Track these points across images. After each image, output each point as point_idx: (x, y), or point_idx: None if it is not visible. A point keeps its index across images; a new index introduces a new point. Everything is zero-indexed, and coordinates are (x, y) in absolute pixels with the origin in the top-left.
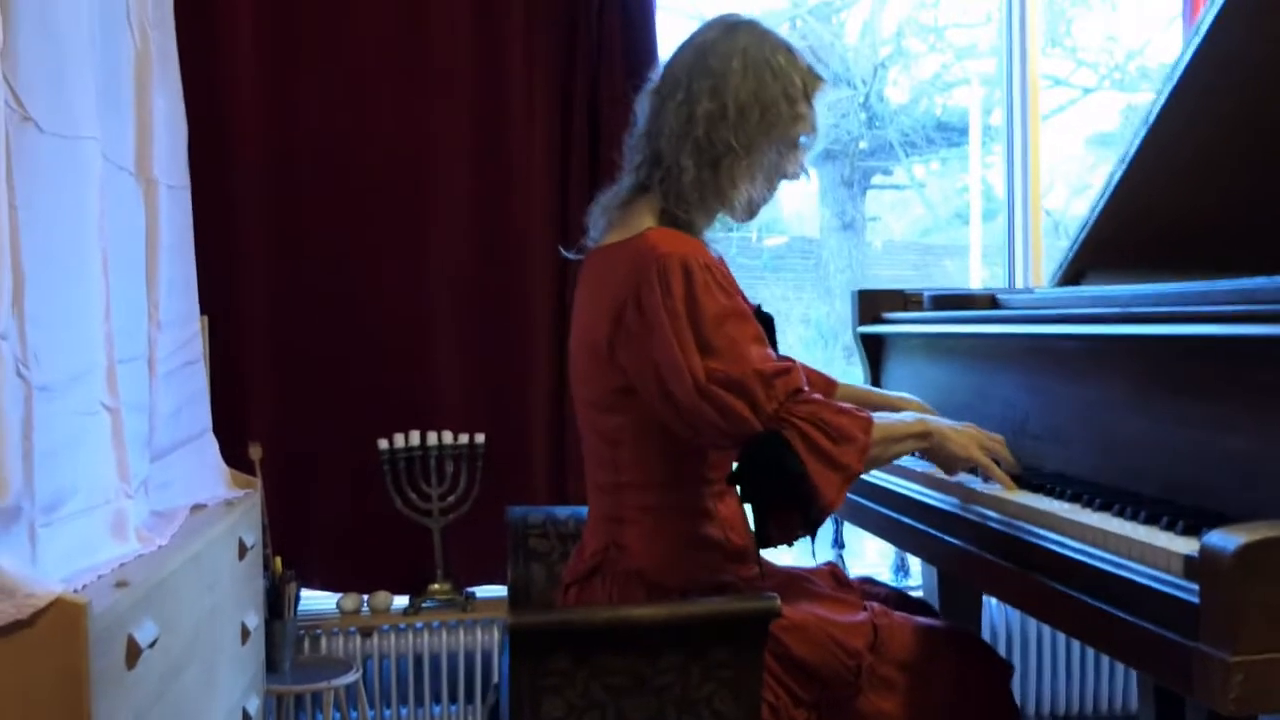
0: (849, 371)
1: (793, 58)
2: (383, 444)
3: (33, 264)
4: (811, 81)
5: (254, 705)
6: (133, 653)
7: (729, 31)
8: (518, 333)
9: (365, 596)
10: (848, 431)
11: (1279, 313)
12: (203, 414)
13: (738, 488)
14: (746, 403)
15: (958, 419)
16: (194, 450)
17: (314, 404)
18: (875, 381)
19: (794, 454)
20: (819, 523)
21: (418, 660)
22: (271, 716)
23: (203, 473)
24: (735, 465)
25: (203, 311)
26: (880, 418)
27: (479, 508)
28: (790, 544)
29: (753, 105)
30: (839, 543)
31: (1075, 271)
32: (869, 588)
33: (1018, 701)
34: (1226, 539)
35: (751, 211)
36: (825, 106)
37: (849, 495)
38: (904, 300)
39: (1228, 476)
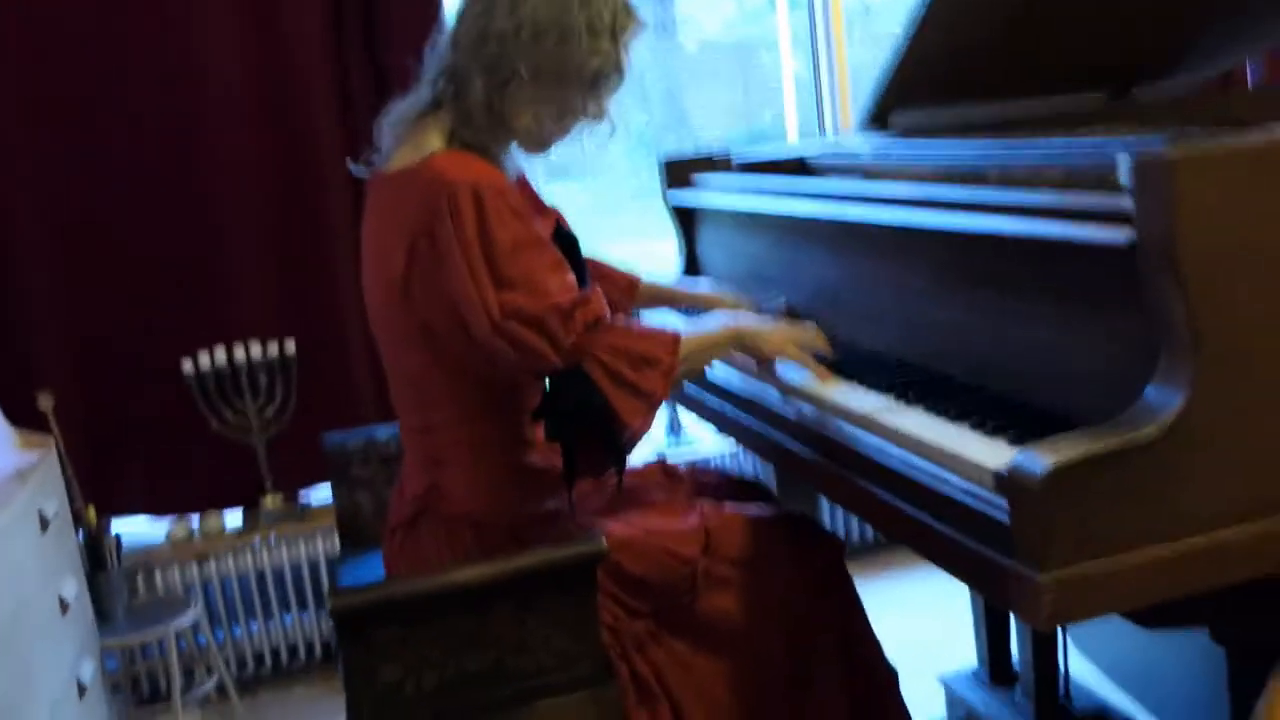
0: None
1: None
2: (187, 365)
3: None
4: (623, 19)
5: (89, 671)
6: None
7: None
8: (315, 233)
9: (195, 521)
10: (651, 355)
11: (1074, 211)
12: None
13: (543, 425)
14: (545, 338)
15: (771, 293)
16: None
17: (107, 338)
18: (690, 252)
19: (595, 387)
20: (627, 451)
21: (260, 576)
22: (116, 669)
23: None
24: (539, 402)
25: None
26: (689, 328)
27: (300, 416)
28: (600, 475)
29: (550, 30)
30: (675, 428)
31: (881, 111)
32: (700, 476)
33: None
34: (1034, 460)
35: (543, 144)
36: (633, 49)
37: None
38: (711, 164)
39: (1032, 365)
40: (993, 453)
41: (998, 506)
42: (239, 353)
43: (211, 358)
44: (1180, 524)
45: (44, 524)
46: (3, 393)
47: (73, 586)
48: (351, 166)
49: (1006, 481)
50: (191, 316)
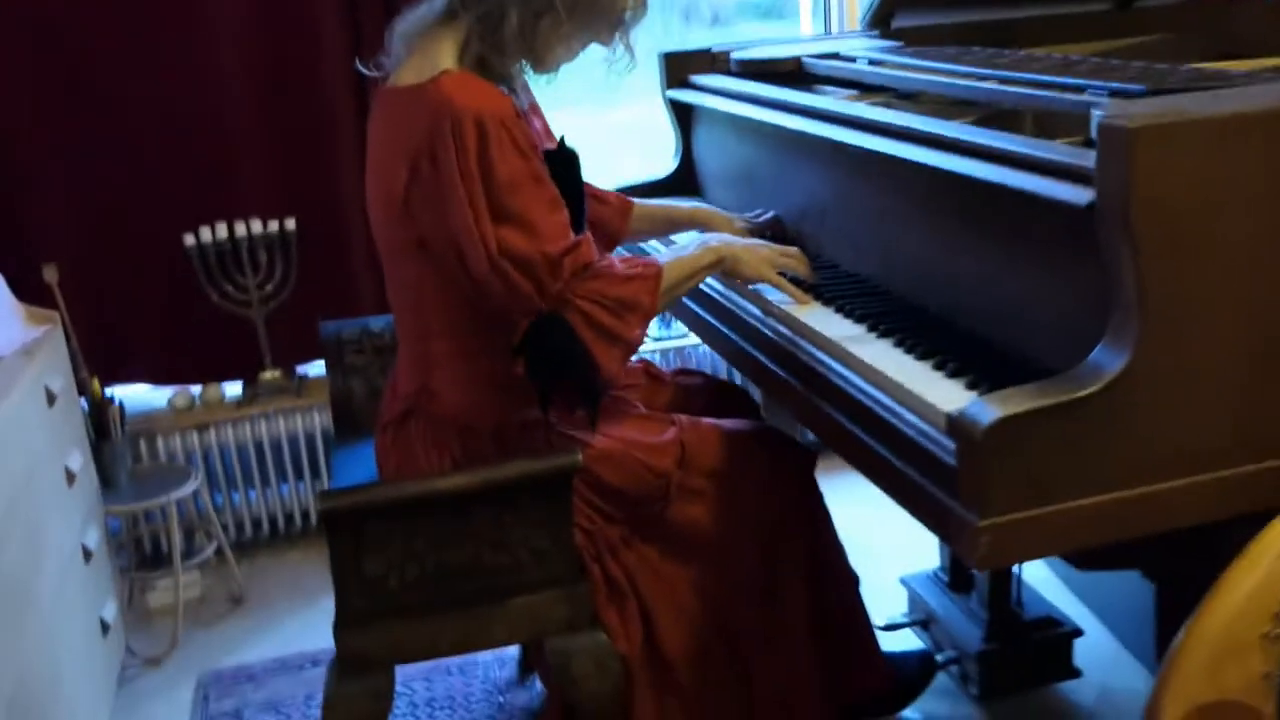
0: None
1: None
2: (189, 239)
3: None
4: None
5: (94, 539)
6: None
7: None
8: (318, 118)
9: (196, 391)
10: (631, 300)
11: (1042, 163)
12: None
13: (522, 363)
14: (533, 283)
15: (762, 203)
16: None
17: (110, 211)
18: (686, 149)
19: (574, 334)
20: (601, 394)
21: (258, 446)
22: (119, 531)
23: None
24: (519, 342)
25: None
26: (670, 254)
27: (299, 292)
28: (571, 412)
29: None
30: (665, 320)
31: (885, 12)
32: (683, 379)
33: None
34: (983, 410)
35: (554, 69)
36: None
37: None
38: (711, 60)
39: (999, 307)
40: (949, 395)
41: (946, 449)
42: (240, 229)
43: (214, 233)
44: (1115, 477)
45: (50, 399)
46: (8, 268)
47: (78, 458)
48: (359, 66)
49: (955, 426)
50: (195, 193)
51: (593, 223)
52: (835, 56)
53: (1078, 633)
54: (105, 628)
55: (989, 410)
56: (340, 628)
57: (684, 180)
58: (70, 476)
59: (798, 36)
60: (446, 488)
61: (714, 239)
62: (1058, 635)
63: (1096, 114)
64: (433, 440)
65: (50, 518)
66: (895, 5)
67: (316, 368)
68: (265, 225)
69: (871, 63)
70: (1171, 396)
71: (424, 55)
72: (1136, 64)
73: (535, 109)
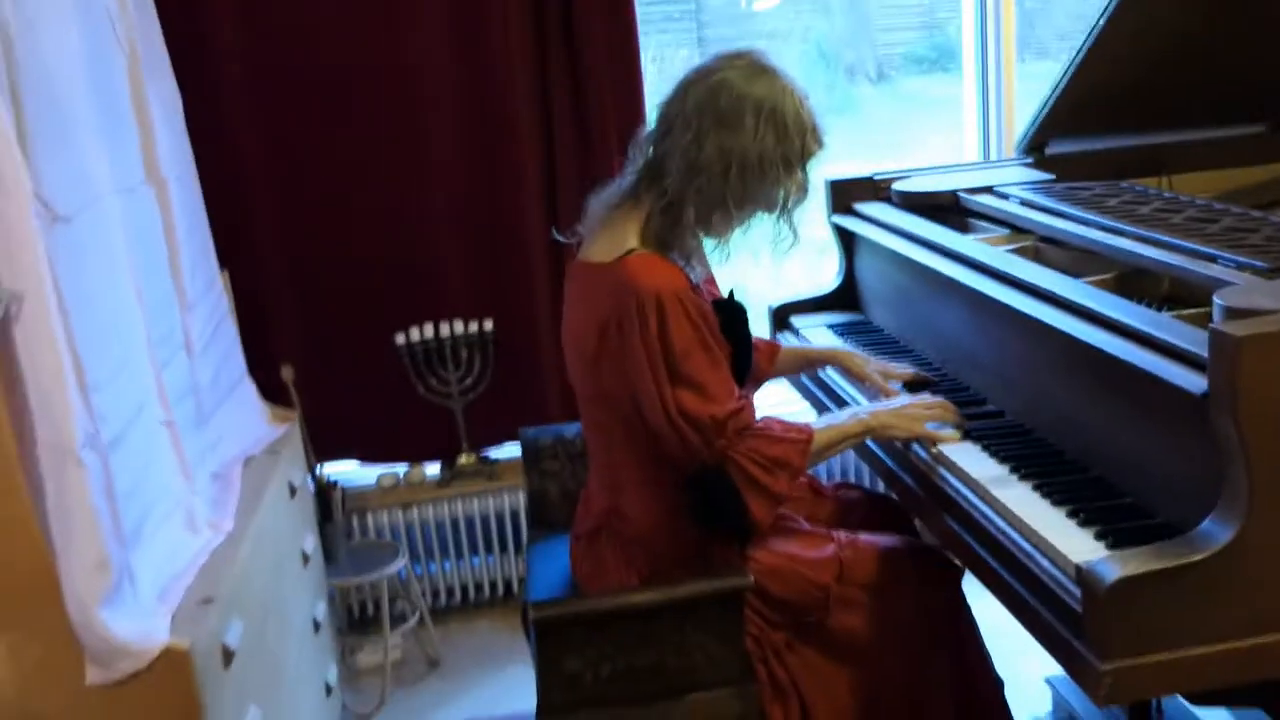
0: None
1: (800, 118)
2: (399, 338)
3: (83, 338)
4: (811, 145)
5: (321, 611)
6: (227, 656)
7: (749, 77)
8: (514, 236)
9: (400, 471)
10: (784, 459)
11: (1176, 350)
12: (237, 361)
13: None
14: (702, 439)
15: (914, 332)
16: (235, 400)
17: (334, 318)
18: (849, 269)
19: (733, 486)
20: (753, 534)
21: (454, 523)
22: (337, 604)
23: (246, 418)
24: (687, 485)
25: (221, 265)
26: (824, 420)
27: (494, 385)
28: (727, 546)
29: (755, 166)
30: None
31: (1039, 140)
32: (843, 493)
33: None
34: (1109, 569)
35: (726, 240)
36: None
37: None
38: (874, 187)
39: (1129, 461)
40: (1079, 545)
41: (1074, 596)
42: (445, 329)
43: (421, 332)
44: (1224, 630)
45: (292, 491)
46: (254, 371)
47: (310, 541)
48: (557, 235)
49: (1083, 578)
50: (406, 298)
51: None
52: (989, 190)
53: None
54: (329, 689)
55: (1113, 569)
56: (541, 715)
57: (846, 296)
58: (305, 558)
59: (958, 165)
60: (637, 602)
61: (865, 411)
62: None
63: (1218, 303)
64: (623, 556)
65: (292, 596)
66: (1049, 133)
67: (507, 450)
68: (467, 325)
69: (1022, 202)
70: (1273, 565)
71: (612, 232)
72: (1270, 222)
73: (710, 279)
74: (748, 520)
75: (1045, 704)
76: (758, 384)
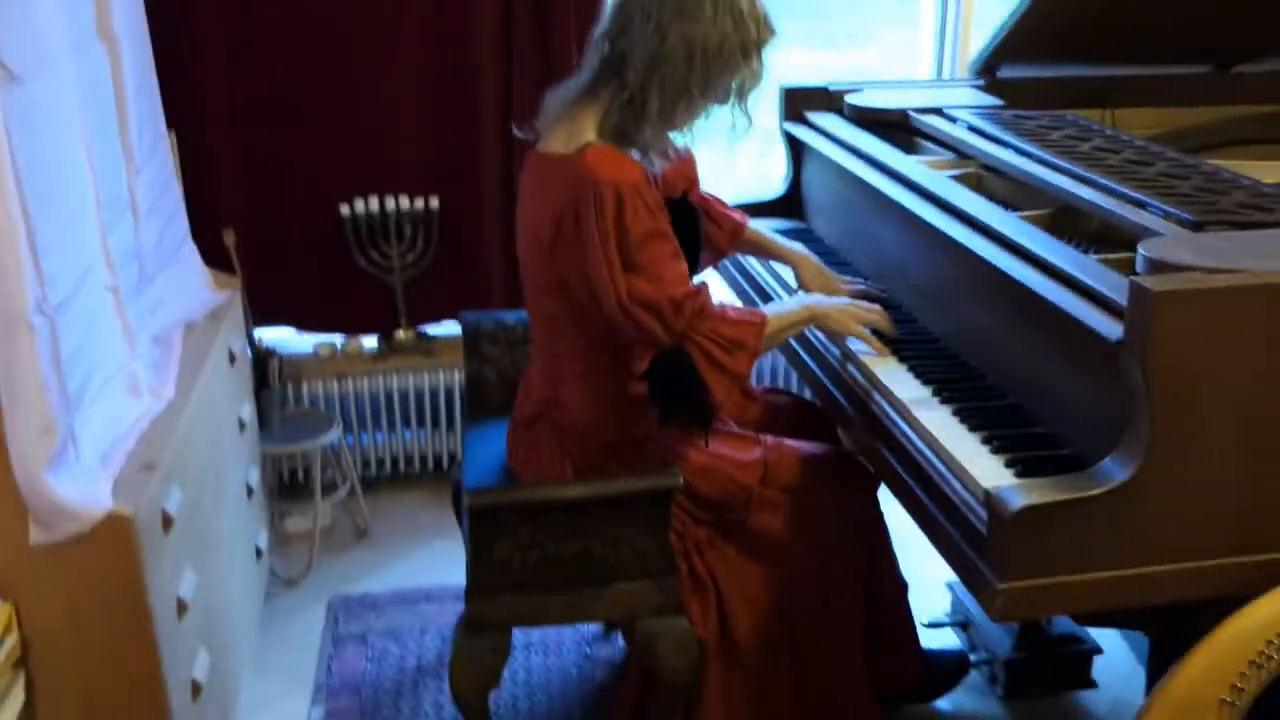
0: None
1: (754, 5)
2: (344, 210)
3: (35, 200)
4: (765, 33)
5: (254, 477)
6: (167, 522)
7: None
8: (467, 111)
9: (338, 343)
10: (741, 339)
11: (1098, 295)
12: (181, 225)
13: (647, 387)
14: (660, 323)
15: (853, 245)
16: (177, 263)
17: (278, 182)
18: (796, 177)
19: (693, 367)
20: (712, 416)
21: (388, 397)
22: (268, 470)
23: (188, 283)
24: (646, 369)
25: (167, 125)
26: (774, 307)
27: (436, 264)
28: (687, 430)
29: (716, 54)
30: None
31: (991, 64)
32: (772, 398)
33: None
34: (1015, 496)
35: (685, 130)
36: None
37: None
38: (828, 97)
39: (1043, 392)
40: (990, 471)
41: (980, 518)
42: (390, 203)
43: (366, 205)
44: (1114, 560)
45: (232, 359)
46: (196, 235)
47: (247, 409)
48: (516, 131)
49: (990, 503)
50: (353, 170)
51: (704, 237)
52: (939, 112)
53: (1097, 650)
54: (259, 553)
55: (1018, 497)
56: (470, 595)
57: (792, 204)
58: (241, 425)
59: (911, 80)
60: (570, 495)
61: (810, 299)
62: (1080, 651)
63: (1142, 254)
64: (558, 445)
65: (228, 463)
66: (1002, 58)
67: (445, 329)
68: (413, 202)
69: (970, 127)
70: (1165, 504)
71: (570, 126)
72: (1202, 171)
73: (687, 160)
74: (708, 401)
75: (945, 605)
76: (718, 256)
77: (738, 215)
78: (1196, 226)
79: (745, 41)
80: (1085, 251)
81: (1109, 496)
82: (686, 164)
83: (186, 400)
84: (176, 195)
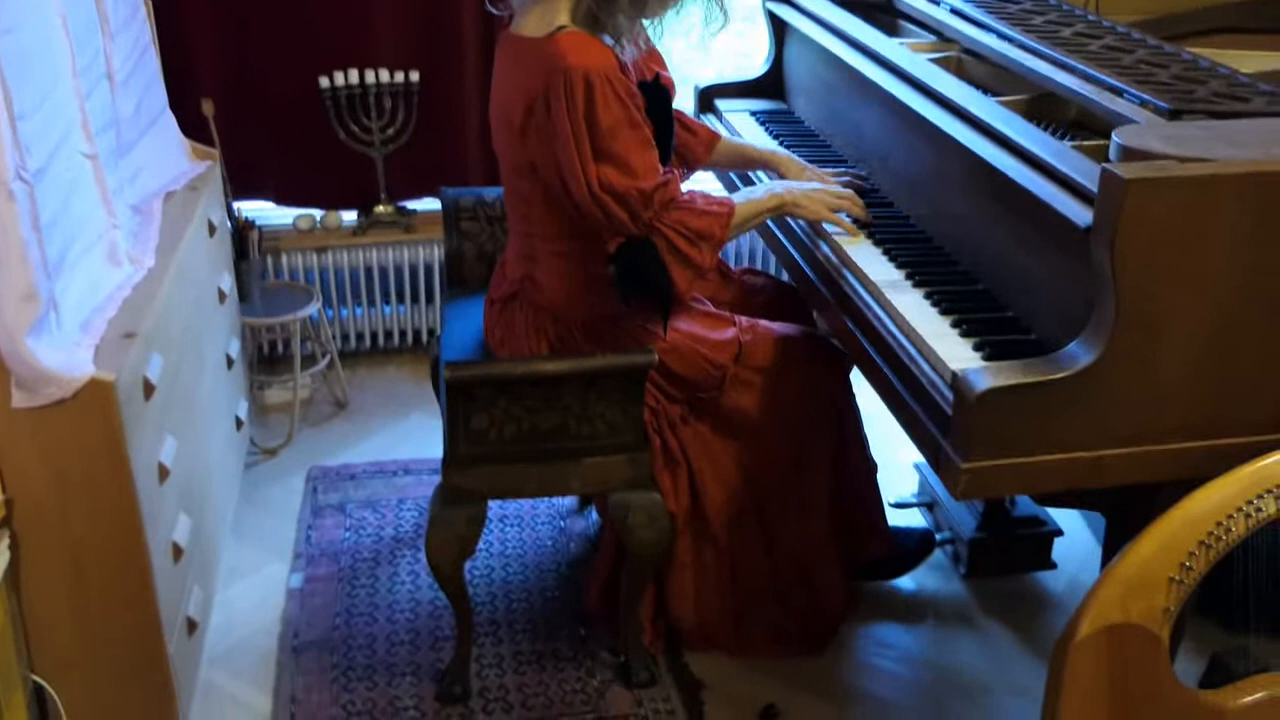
0: None
1: None
2: (324, 81)
3: (10, 66)
4: None
5: (235, 348)
6: (148, 389)
7: None
8: None
9: (317, 216)
10: (707, 231)
11: (1071, 182)
12: (159, 93)
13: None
14: (627, 212)
15: (833, 128)
16: (156, 133)
17: (257, 52)
18: (778, 56)
19: (658, 256)
20: (673, 305)
21: (368, 271)
22: (248, 341)
23: (166, 152)
24: (612, 255)
25: None
26: (742, 195)
27: (416, 138)
28: (650, 317)
29: None
30: None
31: None
32: (748, 279)
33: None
34: (980, 378)
35: (659, 19)
36: None
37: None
38: None
39: (1013, 278)
40: (958, 354)
41: (947, 400)
42: (370, 76)
43: (346, 77)
44: (1074, 442)
45: (211, 229)
46: (175, 106)
47: (227, 279)
48: (490, 8)
49: (956, 385)
50: (333, 42)
51: (678, 149)
52: None
53: (1058, 532)
54: (239, 423)
55: (984, 379)
56: (447, 466)
57: (773, 84)
58: (221, 295)
59: None
60: (547, 370)
61: (780, 186)
62: (1041, 533)
63: (1115, 140)
64: (533, 322)
65: (208, 332)
66: None
67: (425, 204)
68: (393, 75)
69: (953, 10)
70: (1126, 389)
71: (545, 7)
72: (1181, 59)
73: (654, 54)
74: (671, 290)
75: (912, 487)
76: (691, 170)
77: (709, 128)
78: (1172, 115)
79: None
80: (1062, 138)
81: (1072, 380)
82: (654, 56)
83: (166, 269)
84: (154, 64)
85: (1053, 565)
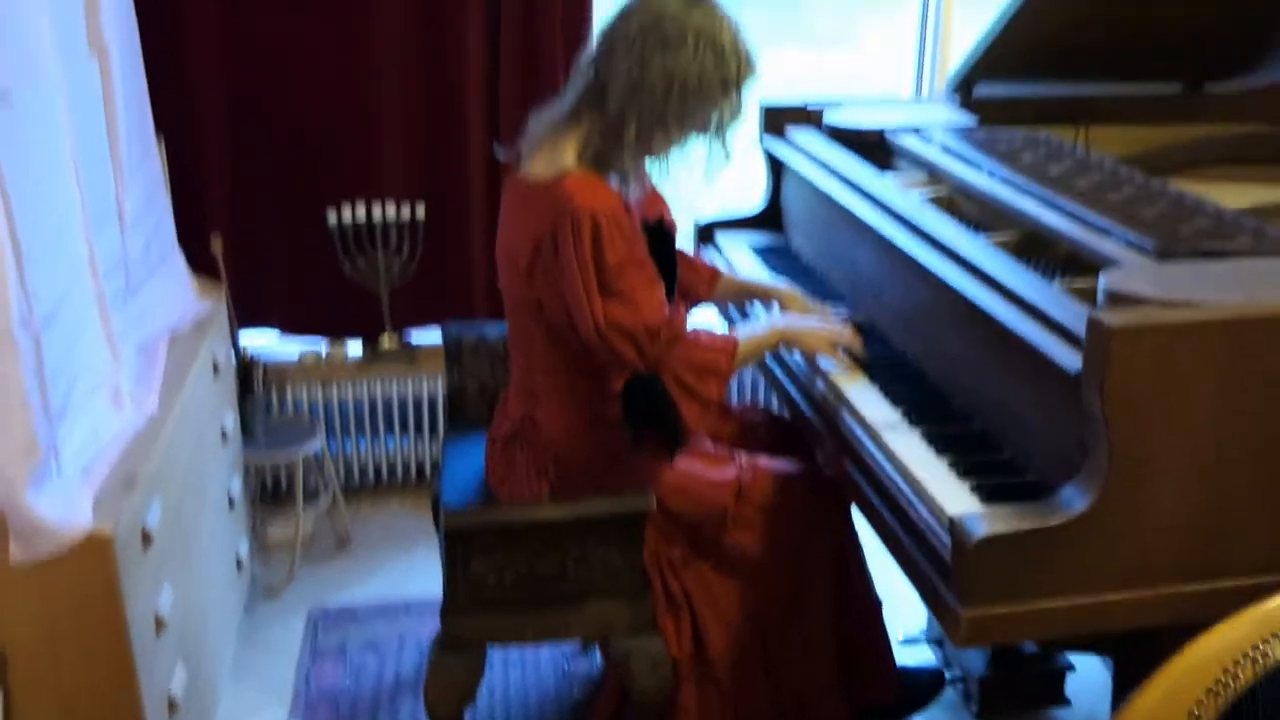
0: None
1: (736, 43)
2: (331, 217)
3: (21, 215)
4: (746, 70)
5: (236, 486)
6: (146, 539)
7: (688, 6)
8: (454, 122)
9: (322, 350)
10: (713, 365)
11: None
12: (168, 232)
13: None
14: (634, 349)
15: (830, 263)
16: (164, 273)
17: (266, 189)
18: (775, 193)
19: (666, 392)
20: (683, 438)
21: (372, 404)
22: (251, 478)
23: (173, 291)
24: (622, 392)
25: (156, 129)
26: (745, 330)
27: (421, 271)
28: (656, 451)
29: (696, 88)
30: None
31: (968, 81)
32: (748, 415)
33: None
34: (977, 524)
35: (664, 159)
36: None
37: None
38: (806, 116)
39: (1007, 418)
40: (956, 497)
41: (945, 545)
42: (377, 211)
43: (353, 213)
44: (1074, 588)
45: (216, 369)
46: (183, 240)
47: (231, 419)
48: (497, 150)
49: (954, 531)
50: (341, 177)
51: (682, 286)
52: (915, 131)
53: (1070, 668)
54: (239, 563)
55: (981, 526)
56: (446, 613)
57: (771, 218)
58: (225, 436)
59: (889, 99)
60: (544, 516)
61: (781, 320)
62: (1052, 669)
63: (1102, 284)
64: (534, 462)
65: (210, 473)
66: (977, 75)
67: (429, 337)
68: (399, 210)
69: (944, 148)
70: (1121, 534)
71: (552, 150)
72: (1168, 196)
73: (654, 193)
74: (680, 425)
75: (921, 623)
76: (693, 305)
77: (710, 265)
78: (1158, 255)
79: (726, 77)
80: (1054, 275)
81: (1068, 526)
82: (658, 198)
83: (169, 412)
84: (165, 203)
85: (1066, 702)
